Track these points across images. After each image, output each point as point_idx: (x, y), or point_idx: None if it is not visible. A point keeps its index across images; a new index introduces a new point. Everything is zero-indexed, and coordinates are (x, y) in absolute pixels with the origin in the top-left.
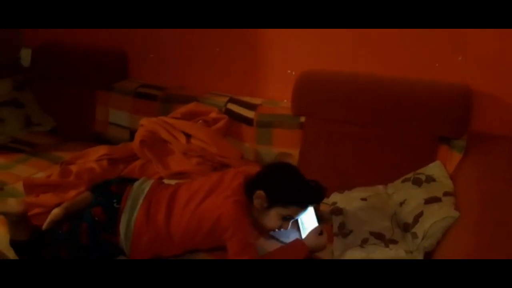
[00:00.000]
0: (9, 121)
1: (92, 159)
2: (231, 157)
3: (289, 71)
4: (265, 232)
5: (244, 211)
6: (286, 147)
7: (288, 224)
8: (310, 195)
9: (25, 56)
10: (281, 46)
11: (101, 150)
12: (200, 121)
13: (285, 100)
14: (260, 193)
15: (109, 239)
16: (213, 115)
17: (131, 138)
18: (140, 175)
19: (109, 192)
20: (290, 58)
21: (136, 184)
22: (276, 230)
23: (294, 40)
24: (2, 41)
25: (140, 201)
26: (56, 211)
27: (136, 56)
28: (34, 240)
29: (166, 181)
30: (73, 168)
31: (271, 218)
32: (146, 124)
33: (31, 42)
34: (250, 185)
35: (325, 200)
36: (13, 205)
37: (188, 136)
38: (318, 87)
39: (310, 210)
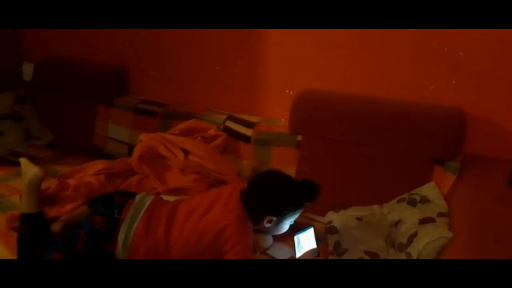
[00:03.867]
0: (9, 134)
1: (90, 173)
2: (228, 174)
3: (287, 90)
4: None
5: (247, 226)
6: (283, 164)
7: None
8: (310, 195)
9: (27, 70)
10: (279, 66)
11: (99, 165)
12: (199, 137)
13: (282, 119)
14: (270, 218)
15: (106, 248)
16: (212, 132)
17: (130, 153)
18: (137, 190)
19: (111, 202)
20: (288, 78)
21: (138, 197)
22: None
23: (293, 61)
24: (4, 56)
25: (141, 213)
26: (55, 226)
27: (136, 72)
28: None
29: (164, 197)
30: (71, 181)
31: (283, 227)
32: (145, 139)
33: (33, 57)
34: (252, 210)
35: (320, 219)
36: (36, 171)
37: (186, 152)
38: (315, 106)
39: (310, 232)
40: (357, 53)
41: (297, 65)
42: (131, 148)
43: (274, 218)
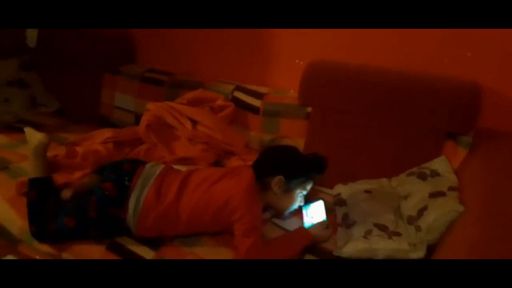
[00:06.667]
0: (14, 101)
1: (98, 141)
2: (236, 145)
3: (297, 61)
4: (281, 214)
5: (256, 195)
6: (292, 136)
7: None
8: (318, 165)
9: (31, 36)
10: (289, 36)
11: (106, 133)
12: (207, 108)
13: (291, 90)
14: (279, 178)
15: (116, 214)
16: (220, 102)
17: (136, 122)
18: (145, 159)
19: (121, 169)
20: (299, 48)
21: (148, 165)
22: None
23: (303, 30)
24: None
25: (152, 180)
26: (65, 193)
27: (143, 40)
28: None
29: (174, 166)
30: (79, 149)
31: (292, 199)
32: (152, 108)
33: None
34: (262, 173)
35: (329, 191)
36: (41, 137)
37: (194, 122)
38: (326, 77)
39: (320, 204)
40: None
41: (308, 35)
42: (137, 117)
43: (283, 179)
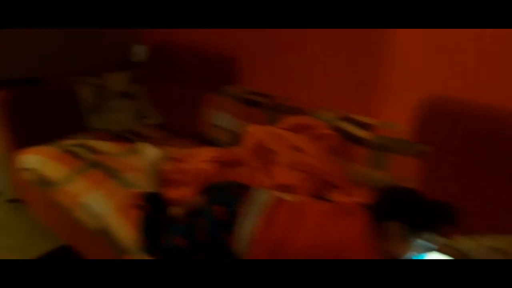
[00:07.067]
0: (124, 112)
1: (202, 159)
2: (337, 176)
3: (409, 93)
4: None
5: (373, 240)
6: (401, 175)
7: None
8: (449, 216)
9: (138, 52)
10: (403, 65)
11: (210, 152)
12: (308, 135)
13: (401, 124)
14: (400, 225)
15: (225, 239)
16: (322, 130)
17: (234, 142)
18: (246, 182)
19: (230, 193)
20: (412, 79)
21: (256, 191)
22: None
23: (419, 60)
24: (118, 36)
25: (261, 208)
26: (177, 210)
27: (246, 63)
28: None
29: (281, 194)
30: (186, 166)
31: (407, 247)
32: (254, 132)
33: (147, 39)
34: (380, 217)
35: (450, 243)
36: (157, 153)
37: (295, 148)
38: (445, 116)
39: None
40: (503, 61)
41: (424, 65)
42: (235, 137)
43: (404, 226)
